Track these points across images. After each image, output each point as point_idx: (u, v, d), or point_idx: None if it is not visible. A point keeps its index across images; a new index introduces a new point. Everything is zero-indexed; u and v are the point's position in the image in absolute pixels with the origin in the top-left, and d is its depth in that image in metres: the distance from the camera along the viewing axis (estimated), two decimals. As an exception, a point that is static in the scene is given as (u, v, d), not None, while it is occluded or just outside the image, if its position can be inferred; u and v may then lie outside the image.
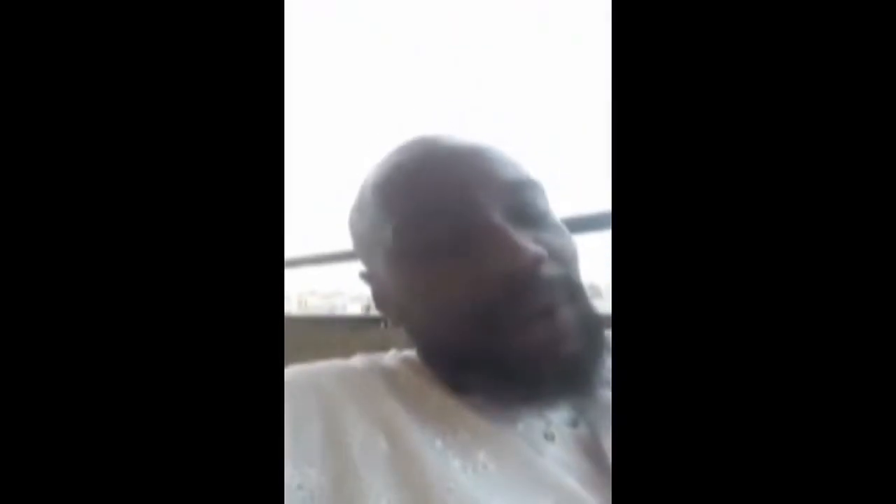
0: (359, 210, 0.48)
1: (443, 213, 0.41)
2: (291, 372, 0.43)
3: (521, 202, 0.42)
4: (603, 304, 0.45)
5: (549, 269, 0.40)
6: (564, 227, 0.45)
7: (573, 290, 0.42)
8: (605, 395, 0.42)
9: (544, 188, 0.46)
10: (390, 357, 0.49)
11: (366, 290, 0.50)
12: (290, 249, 1.90)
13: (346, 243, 0.51)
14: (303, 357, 0.47)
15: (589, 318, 0.42)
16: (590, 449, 0.40)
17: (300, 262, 1.96)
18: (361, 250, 0.49)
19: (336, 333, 1.57)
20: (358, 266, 0.51)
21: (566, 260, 0.42)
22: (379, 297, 0.49)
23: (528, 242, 0.39)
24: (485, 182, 0.42)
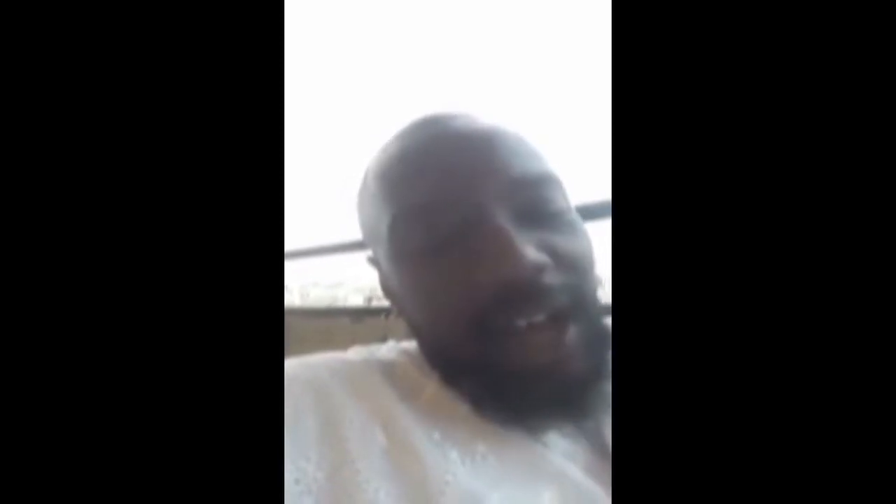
0: (361, 196, 0.46)
1: (443, 206, 0.38)
2: (287, 366, 0.42)
3: (531, 199, 0.39)
4: (605, 293, 0.43)
5: (554, 278, 0.37)
6: (582, 228, 0.41)
7: (582, 301, 0.38)
8: (609, 385, 0.42)
9: (562, 183, 0.42)
10: (388, 349, 0.48)
11: (367, 282, 0.50)
12: (293, 241, 1.90)
13: (348, 234, 0.50)
14: (305, 348, 0.47)
15: (597, 334, 0.39)
16: (591, 438, 0.40)
17: (302, 253, 1.96)
18: (366, 236, 0.48)
19: (338, 324, 1.57)
20: (359, 257, 0.50)
21: (577, 266, 0.39)
22: (384, 284, 0.48)
23: (529, 248, 0.36)
24: (492, 173, 0.38)
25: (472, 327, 0.37)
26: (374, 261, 0.48)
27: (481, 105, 0.45)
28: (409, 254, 0.40)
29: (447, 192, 0.38)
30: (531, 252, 0.36)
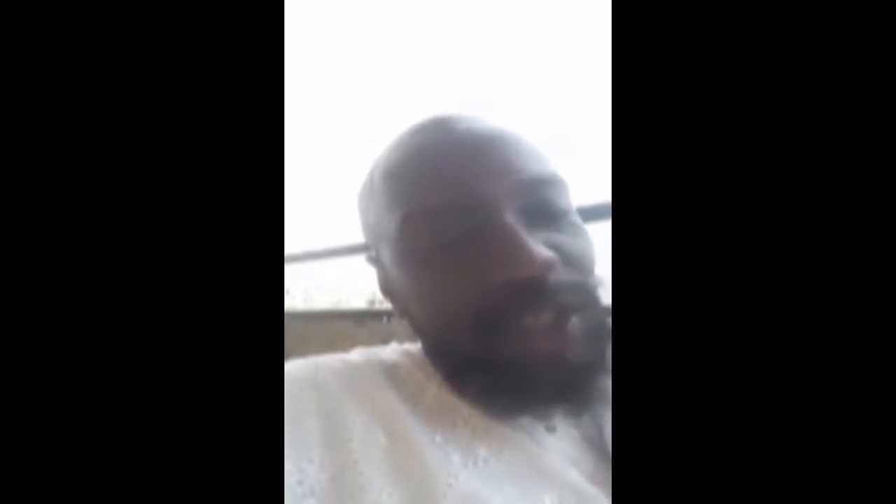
0: (368, 194, 0.46)
1: (453, 206, 0.38)
2: (289, 368, 0.42)
3: (538, 200, 0.40)
4: (605, 294, 0.43)
5: (561, 276, 0.37)
6: (584, 228, 0.42)
7: (586, 298, 0.40)
8: (608, 380, 0.42)
9: (566, 185, 0.43)
10: (390, 350, 0.48)
11: (369, 285, 0.49)
12: (295, 245, 1.91)
13: (351, 238, 0.50)
14: (308, 350, 0.47)
15: (599, 329, 0.40)
16: (593, 441, 0.40)
17: (305, 257, 1.97)
18: (369, 235, 0.47)
19: (340, 327, 1.57)
20: (361, 260, 0.50)
21: (581, 265, 0.40)
22: (385, 285, 0.48)
23: (539, 247, 0.37)
24: (502, 174, 0.39)
25: (482, 324, 0.38)
26: (375, 260, 0.48)
27: (481, 107, 0.45)
28: (418, 253, 0.40)
29: (457, 192, 0.39)
30: (541, 250, 0.37)
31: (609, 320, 0.41)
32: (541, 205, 0.40)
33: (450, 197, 0.39)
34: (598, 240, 0.43)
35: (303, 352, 0.47)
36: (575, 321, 0.38)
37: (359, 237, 0.51)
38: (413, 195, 0.40)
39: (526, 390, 0.38)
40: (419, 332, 0.45)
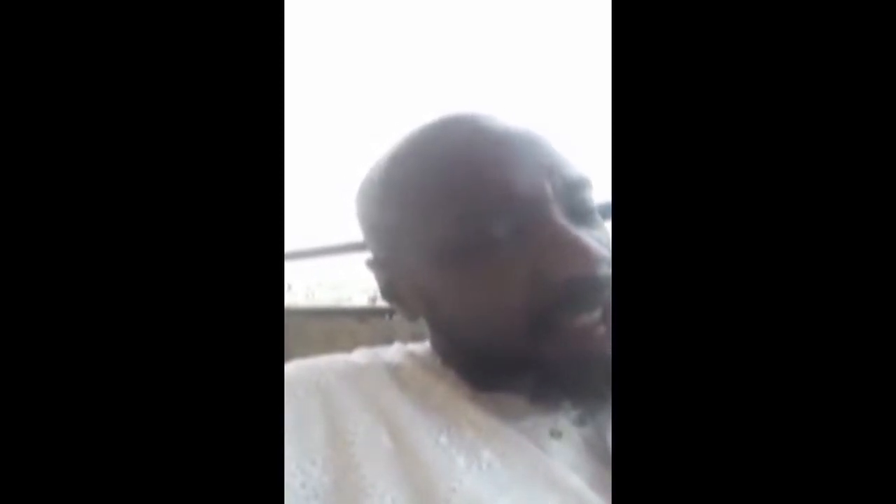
0: (377, 195, 0.44)
1: (499, 206, 0.38)
2: (291, 369, 0.42)
3: (578, 199, 0.40)
4: None
5: (606, 270, 0.38)
6: (604, 224, 0.42)
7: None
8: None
9: (593, 185, 0.43)
10: (394, 351, 0.47)
11: (372, 282, 0.48)
12: (297, 242, 1.91)
13: (352, 235, 0.49)
14: (309, 348, 0.47)
15: None
16: (596, 448, 0.40)
17: (307, 254, 1.97)
18: (379, 236, 0.45)
19: (342, 324, 1.57)
20: (364, 258, 0.48)
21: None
22: (391, 288, 0.46)
23: (594, 243, 0.37)
24: (549, 173, 0.39)
25: (537, 323, 0.38)
26: (378, 264, 0.46)
27: (481, 106, 0.44)
28: (469, 251, 0.39)
29: (502, 192, 0.38)
30: (597, 247, 0.37)
31: None
32: (579, 204, 0.40)
33: (495, 197, 0.38)
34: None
35: (304, 348, 0.47)
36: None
37: (361, 234, 0.50)
38: (453, 195, 0.39)
39: (575, 383, 0.38)
40: (447, 331, 0.44)
